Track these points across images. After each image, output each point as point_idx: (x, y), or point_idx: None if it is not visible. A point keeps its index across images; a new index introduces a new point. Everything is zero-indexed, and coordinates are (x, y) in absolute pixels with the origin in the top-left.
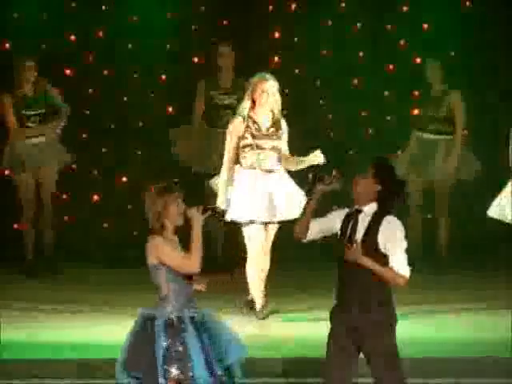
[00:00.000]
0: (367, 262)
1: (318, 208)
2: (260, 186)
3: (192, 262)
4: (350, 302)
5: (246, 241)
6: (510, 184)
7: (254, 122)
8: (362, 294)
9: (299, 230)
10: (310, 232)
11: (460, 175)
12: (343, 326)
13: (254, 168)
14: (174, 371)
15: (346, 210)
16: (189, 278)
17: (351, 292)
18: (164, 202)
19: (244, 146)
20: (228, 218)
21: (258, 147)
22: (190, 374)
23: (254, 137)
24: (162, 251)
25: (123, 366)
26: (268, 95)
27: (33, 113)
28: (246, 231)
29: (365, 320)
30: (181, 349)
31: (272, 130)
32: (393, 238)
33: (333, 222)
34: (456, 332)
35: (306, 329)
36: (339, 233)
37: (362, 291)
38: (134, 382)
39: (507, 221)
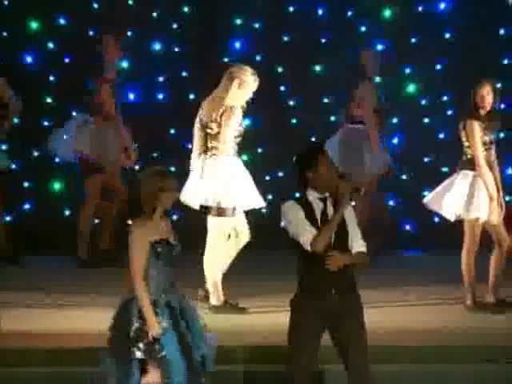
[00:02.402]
0: (349, 260)
1: None
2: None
3: (135, 284)
4: (323, 288)
5: (224, 231)
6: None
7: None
8: (337, 279)
9: (323, 245)
10: None
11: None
12: (314, 313)
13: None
14: (138, 353)
15: (293, 202)
16: (170, 263)
17: (325, 279)
18: (159, 185)
19: (236, 136)
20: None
21: (240, 136)
22: (163, 353)
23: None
24: (134, 247)
25: (105, 350)
26: (253, 90)
27: None
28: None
29: (341, 305)
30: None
31: None
32: (352, 219)
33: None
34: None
35: (265, 316)
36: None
37: (336, 277)
38: (113, 365)
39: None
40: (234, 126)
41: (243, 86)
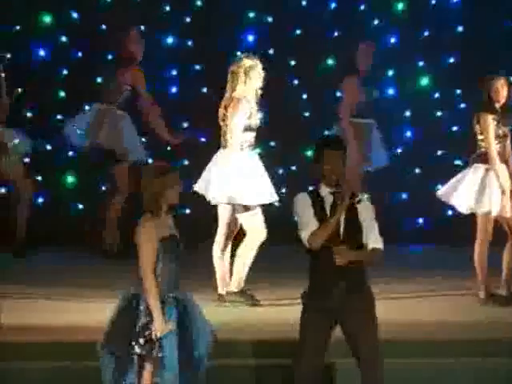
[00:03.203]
0: (356, 257)
1: None
2: (262, 169)
3: (145, 283)
4: (330, 285)
5: (256, 224)
6: (471, 171)
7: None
8: (345, 276)
9: (319, 242)
10: None
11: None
12: (320, 312)
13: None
14: (138, 348)
15: (305, 195)
16: (175, 259)
17: (331, 275)
18: (163, 183)
19: (246, 129)
20: (252, 202)
21: (253, 129)
22: (160, 354)
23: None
24: (143, 245)
25: (104, 344)
26: (260, 77)
27: None
28: (258, 214)
29: (348, 301)
30: (153, 329)
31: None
32: (369, 215)
33: (311, 212)
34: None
35: (272, 311)
36: (313, 216)
37: (344, 273)
38: (112, 359)
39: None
40: (241, 118)
41: (249, 76)
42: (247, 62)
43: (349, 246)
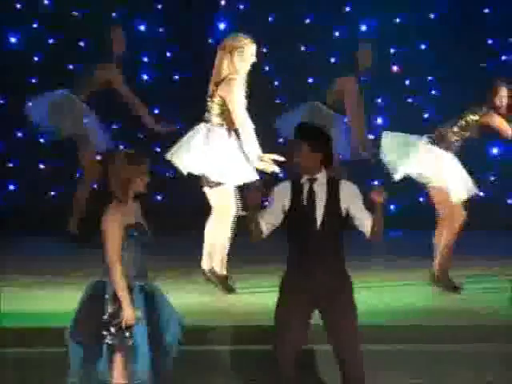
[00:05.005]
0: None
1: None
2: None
3: (112, 271)
4: (313, 267)
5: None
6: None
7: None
8: (328, 257)
9: (256, 236)
10: (265, 229)
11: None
12: (304, 293)
13: None
14: (109, 338)
15: (287, 183)
16: (142, 247)
17: (315, 257)
18: (133, 171)
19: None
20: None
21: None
22: (131, 342)
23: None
24: (109, 232)
25: (70, 332)
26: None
27: None
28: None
29: (333, 282)
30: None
31: None
32: (357, 199)
33: (281, 202)
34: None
35: (253, 298)
36: (290, 204)
37: (328, 255)
38: (80, 348)
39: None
40: (238, 96)
41: (241, 54)
42: (235, 41)
43: (328, 232)
